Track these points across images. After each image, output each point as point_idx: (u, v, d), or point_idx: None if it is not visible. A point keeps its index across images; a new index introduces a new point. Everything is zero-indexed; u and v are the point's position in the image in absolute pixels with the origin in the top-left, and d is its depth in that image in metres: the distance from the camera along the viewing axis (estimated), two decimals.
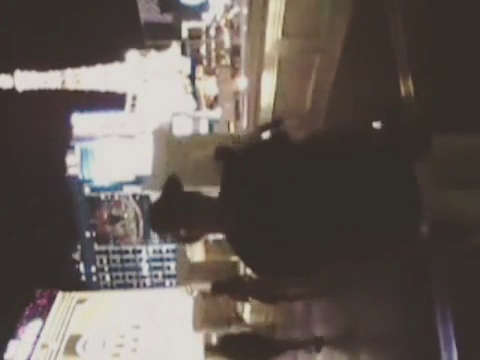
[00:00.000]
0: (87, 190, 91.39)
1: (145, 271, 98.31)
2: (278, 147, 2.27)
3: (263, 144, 2.36)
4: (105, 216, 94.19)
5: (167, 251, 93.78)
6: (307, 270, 2.28)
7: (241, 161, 2.32)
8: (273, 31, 6.68)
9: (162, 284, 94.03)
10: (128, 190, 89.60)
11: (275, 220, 2.16)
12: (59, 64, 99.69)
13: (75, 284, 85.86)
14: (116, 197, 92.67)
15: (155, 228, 2.27)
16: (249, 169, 2.23)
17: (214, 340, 19.69)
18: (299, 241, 2.17)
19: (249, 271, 15.25)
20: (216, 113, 69.92)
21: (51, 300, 68.95)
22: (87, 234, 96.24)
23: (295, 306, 10.97)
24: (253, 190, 2.18)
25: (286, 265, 2.23)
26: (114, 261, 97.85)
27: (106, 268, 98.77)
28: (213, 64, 79.00)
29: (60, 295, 69.50)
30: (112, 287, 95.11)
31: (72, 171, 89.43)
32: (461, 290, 3.52)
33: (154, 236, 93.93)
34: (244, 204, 2.20)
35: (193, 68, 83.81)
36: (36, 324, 65.68)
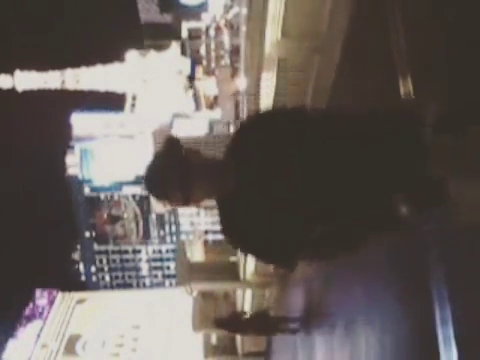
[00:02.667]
0: (87, 190, 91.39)
1: (145, 271, 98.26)
2: (296, 117, 2.18)
3: (280, 111, 2.24)
4: (105, 216, 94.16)
5: (167, 251, 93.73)
6: (300, 247, 2.15)
7: (254, 124, 2.22)
8: (273, 31, 6.67)
9: (162, 284, 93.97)
10: (128, 190, 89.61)
11: (277, 190, 2.07)
12: (59, 64, 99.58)
13: (75, 284, 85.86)
14: (116, 197, 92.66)
15: (151, 191, 2.11)
16: (260, 133, 2.14)
17: (214, 340, 19.73)
18: (300, 214, 2.07)
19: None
20: (216, 113, 69.98)
21: (51, 300, 68.95)
22: (87, 234, 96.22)
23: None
24: (260, 154, 2.10)
25: (280, 241, 2.10)
26: (114, 261, 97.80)
27: (106, 268, 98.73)
28: (213, 64, 79.03)
29: (60, 295, 69.49)
30: (112, 287, 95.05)
31: (72, 171, 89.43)
32: (460, 290, 3.52)
33: (154, 236, 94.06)
34: (248, 166, 2.10)
35: (193, 68, 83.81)
36: (36, 324, 65.64)
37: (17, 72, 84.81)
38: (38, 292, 71.59)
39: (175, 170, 2.03)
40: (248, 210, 2.10)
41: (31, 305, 69.61)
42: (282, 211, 2.08)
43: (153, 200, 2.16)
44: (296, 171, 2.06)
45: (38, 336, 63.34)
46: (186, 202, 2.10)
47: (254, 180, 2.09)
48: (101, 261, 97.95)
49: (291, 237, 2.11)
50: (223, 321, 12.75)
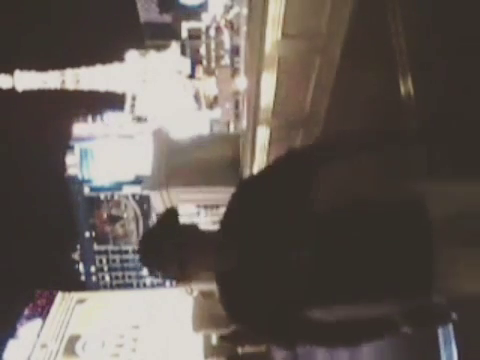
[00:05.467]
0: (87, 190, 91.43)
1: (145, 271, 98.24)
2: (305, 184, 1.95)
3: (287, 174, 1.97)
4: (105, 216, 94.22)
5: None
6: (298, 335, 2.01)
7: (259, 188, 1.96)
8: (273, 31, 6.66)
9: (162, 284, 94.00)
10: (128, 190, 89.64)
11: (284, 269, 1.87)
12: (59, 64, 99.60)
13: (74, 284, 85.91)
14: (116, 197, 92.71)
15: (144, 262, 2.03)
16: (267, 200, 1.89)
17: (214, 340, 19.72)
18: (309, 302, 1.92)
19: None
20: (216, 113, 69.99)
21: (51, 300, 68.92)
22: (87, 234, 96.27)
23: None
24: (268, 226, 1.87)
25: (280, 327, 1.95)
26: (114, 261, 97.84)
27: (106, 268, 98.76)
28: (213, 64, 79.03)
29: (60, 295, 69.47)
30: (112, 287, 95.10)
31: (72, 171, 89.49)
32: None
33: None
34: (252, 241, 1.89)
35: (193, 68, 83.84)
36: (36, 324, 65.62)
37: (17, 72, 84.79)
38: (38, 292, 71.61)
39: (171, 242, 1.91)
40: (251, 288, 1.94)
41: (31, 305, 69.62)
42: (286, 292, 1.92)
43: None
44: (307, 250, 1.89)
45: (38, 336, 63.33)
46: (181, 279, 2.03)
47: (258, 258, 1.91)
48: (101, 261, 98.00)
49: (290, 317, 1.96)
50: (227, 337, 13.39)
